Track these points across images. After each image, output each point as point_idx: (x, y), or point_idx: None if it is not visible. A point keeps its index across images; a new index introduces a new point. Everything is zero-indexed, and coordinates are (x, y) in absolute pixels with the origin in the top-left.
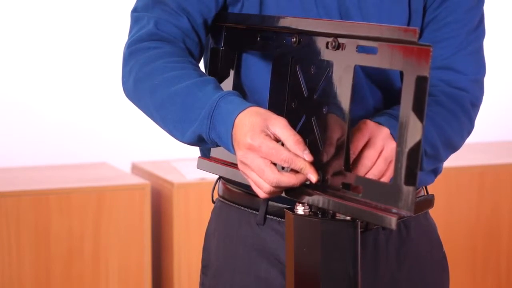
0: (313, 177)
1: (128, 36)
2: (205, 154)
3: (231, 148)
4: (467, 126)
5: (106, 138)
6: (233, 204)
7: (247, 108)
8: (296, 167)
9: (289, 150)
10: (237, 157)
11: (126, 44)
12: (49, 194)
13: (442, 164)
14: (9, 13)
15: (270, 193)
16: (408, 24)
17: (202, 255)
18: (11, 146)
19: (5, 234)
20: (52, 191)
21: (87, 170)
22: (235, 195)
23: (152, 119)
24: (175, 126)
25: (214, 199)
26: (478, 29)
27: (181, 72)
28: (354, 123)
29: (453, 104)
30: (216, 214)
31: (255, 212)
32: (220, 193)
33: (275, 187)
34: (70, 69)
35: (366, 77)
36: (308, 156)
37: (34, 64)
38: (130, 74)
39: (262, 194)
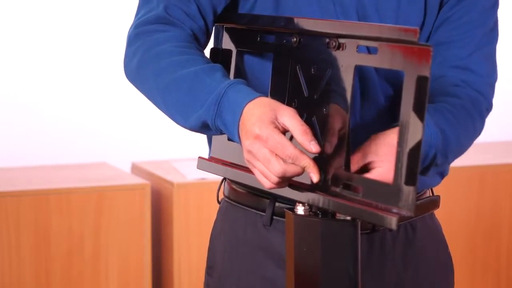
0: (315, 177)
1: (135, 17)
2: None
3: (236, 137)
4: (479, 132)
5: (106, 138)
6: (239, 205)
7: (256, 98)
8: (300, 165)
9: (295, 147)
10: (243, 146)
11: (132, 25)
12: (49, 194)
13: (448, 166)
14: (9, 13)
15: (276, 183)
16: (423, 23)
17: (207, 256)
18: (11, 146)
19: (5, 234)
20: (52, 191)
21: (87, 170)
22: (241, 196)
23: (153, 102)
24: (178, 110)
25: (220, 200)
26: (492, 32)
27: (189, 57)
28: (366, 123)
29: (474, 110)
30: (222, 215)
31: (261, 213)
32: (226, 194)
33: (281, 177)
34: (70, 69)
35: (378, 76)
36: (315, 147)
37: (34, 64)
38: (135, 56)
39: (268, 184)
